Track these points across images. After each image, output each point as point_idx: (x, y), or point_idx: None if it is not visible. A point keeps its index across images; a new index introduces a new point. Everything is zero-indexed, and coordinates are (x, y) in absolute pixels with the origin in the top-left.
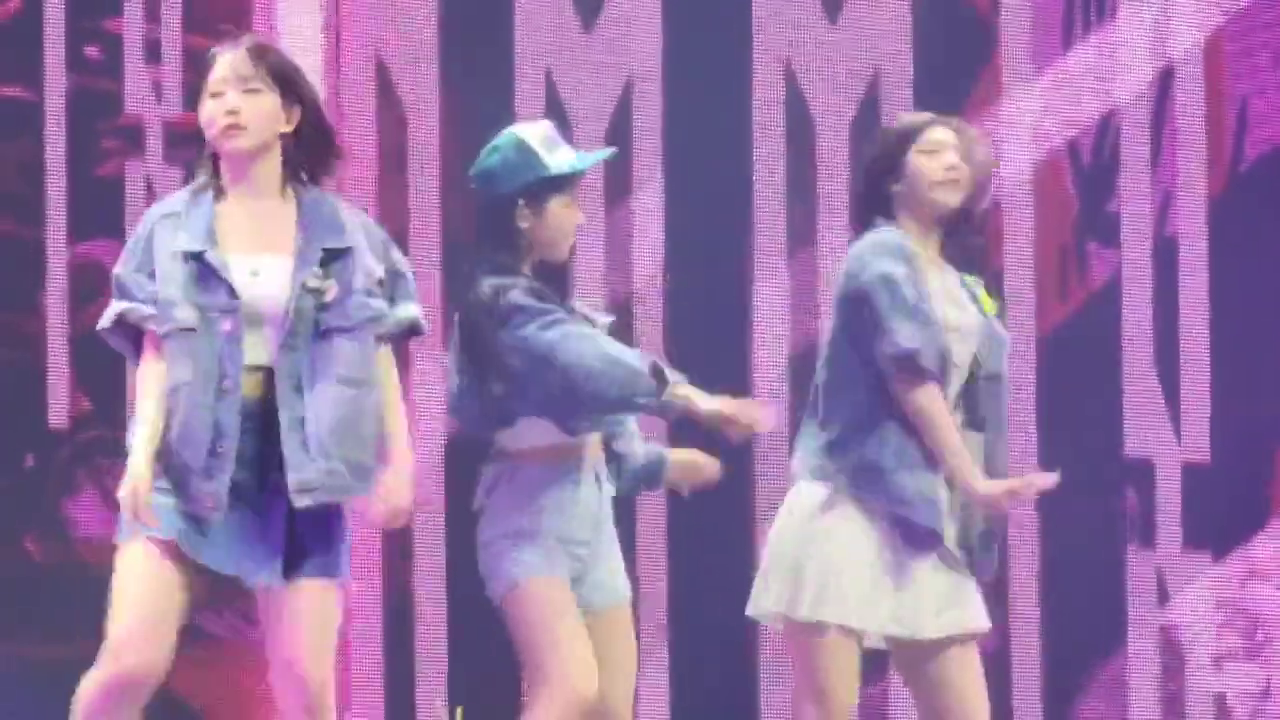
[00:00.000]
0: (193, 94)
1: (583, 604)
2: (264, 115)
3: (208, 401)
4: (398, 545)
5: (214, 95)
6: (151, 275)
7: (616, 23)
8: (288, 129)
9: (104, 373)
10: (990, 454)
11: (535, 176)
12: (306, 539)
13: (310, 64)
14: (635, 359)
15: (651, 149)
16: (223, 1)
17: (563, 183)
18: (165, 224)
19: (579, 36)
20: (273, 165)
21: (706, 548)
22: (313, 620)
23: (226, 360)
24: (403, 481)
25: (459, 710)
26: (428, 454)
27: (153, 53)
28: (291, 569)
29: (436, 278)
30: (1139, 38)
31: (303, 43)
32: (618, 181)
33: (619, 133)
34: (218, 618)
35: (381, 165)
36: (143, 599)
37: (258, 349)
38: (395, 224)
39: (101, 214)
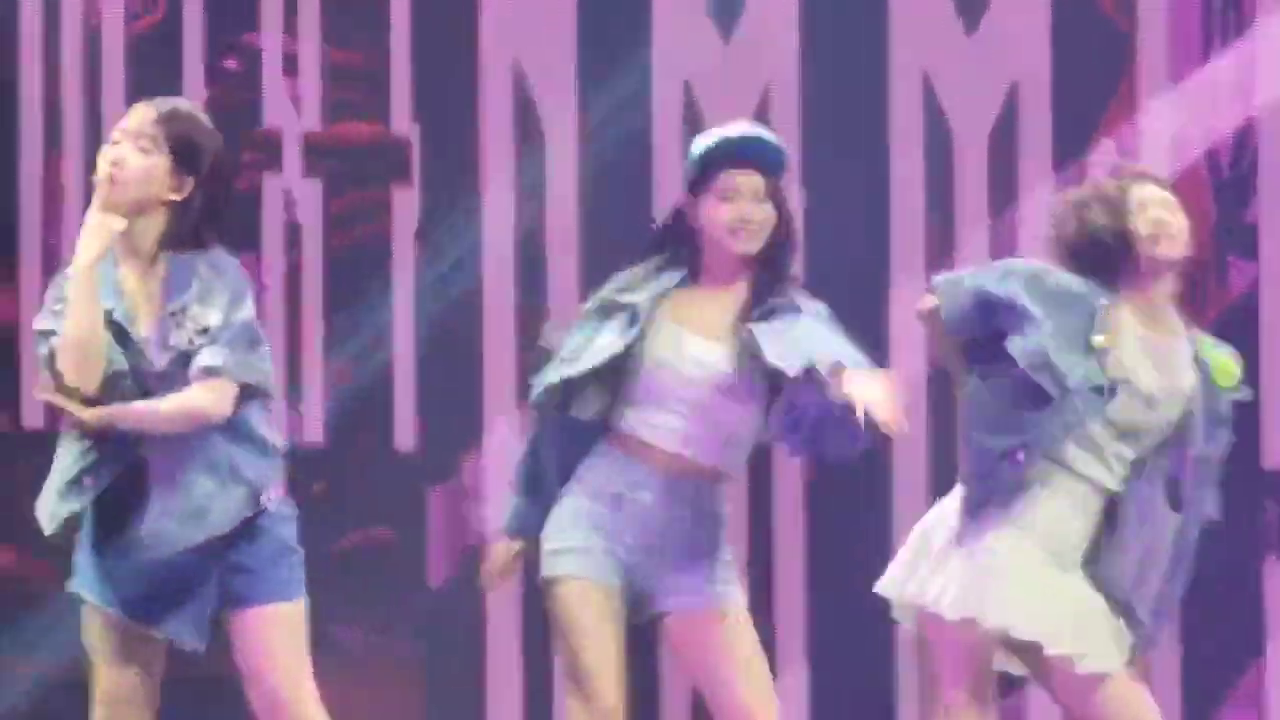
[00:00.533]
0: (333, 107)
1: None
2: (145, 174)
3: None
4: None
5: (112, 142)
6: None
7: (753, 32)
8: (175, 197)
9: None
10: (1177, 538)
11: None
12: None
13: (446, 76)
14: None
15: (792, 160)
16: (360, 14)
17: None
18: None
19: (717, 47)
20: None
21: (845, 553)
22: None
23: None
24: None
25: None
26: None
27: (290, 65)
28: None
29: (575, 280)
30: (1278, 47)
31: (440, 55)
32: None
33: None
34: (354, 630)
35: (519, 179)
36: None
37: None
38: (529, 230)
39: (239, 227)
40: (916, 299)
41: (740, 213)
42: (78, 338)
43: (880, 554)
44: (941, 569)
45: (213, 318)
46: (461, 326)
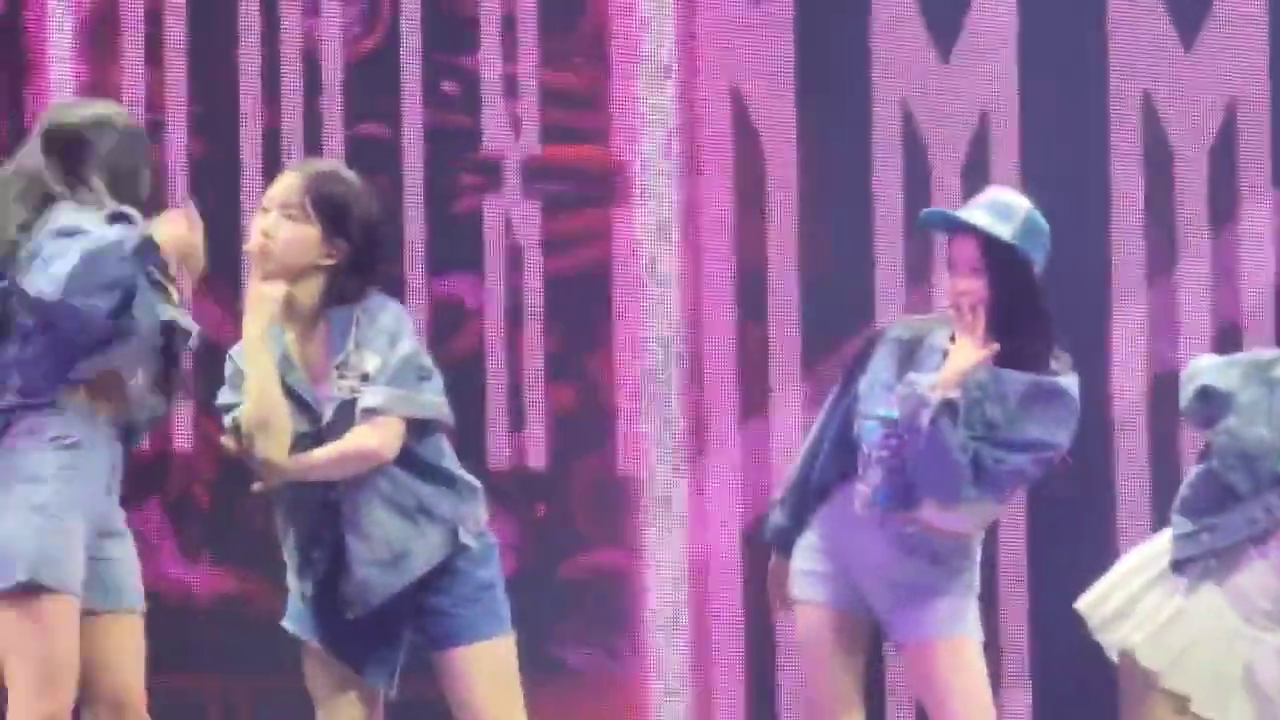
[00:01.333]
0: (551, 129)
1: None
2: (295, 243)
3: None
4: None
5: (262, 210)
6: None
7: (972, 54)
8: (328, 261)
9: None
10: None
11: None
12: None
13: (665, 95)
14: None
15: (1008, 179)
16: (580, 36)
17: None
18: None
19: (935, 68)
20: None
21: (1068, 573)
22: None
23: None
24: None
25: None
26: None
27: (510, 88)
28: None
29: (795, 310)
30: None
31: (658, 73)
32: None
33: (974, 164)
34: (576, 652)
35: (738, 199)
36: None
37: None
38: (752, 256)
39: (460, 250)
40: (1136, 316)
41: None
42: (261, 413)
43: (1101, 572)
44: (1137, 605)
45: (371, 363)
46: (682, 348)
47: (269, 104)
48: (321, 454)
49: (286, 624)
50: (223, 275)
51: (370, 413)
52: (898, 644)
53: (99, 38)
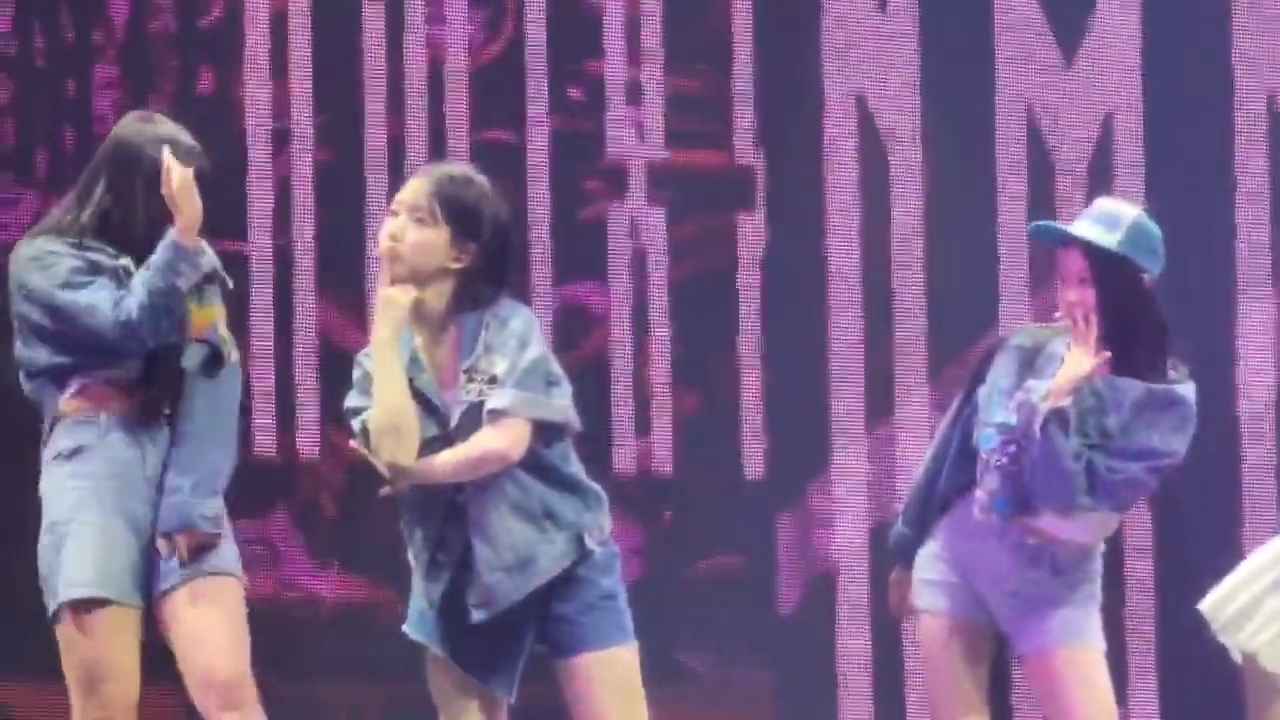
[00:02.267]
0: (676, 135)
1: None
2: (424, 247)
3: None
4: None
5: (390, 214)
6: None
7: (1096, 57)
8: (457, 265)
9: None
10: None
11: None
12: None
13: (788, 101)
14: None
15: (1134, 183)
16: (703, 41)
17: None
18: None
19: (1059, 71)
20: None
21: (1193, 575)
22: None
23: None
24: None
25: None
26: None
27: (634, 94)
28: None
29: (920, 314)
30: None
31: (783, 82)
32: None
33: (1100, 168)
34: (703, 656)
35: (865, 203)
36: None
37: None
38: (873, 259)
39: (585, 257)
40: (1263, 316)
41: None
42: (389, 418)
43: (1226, 573)
44: (1261, 606)
45: (500, 366)
46: (807, 353)
47: (394, 112)
48: (449, 456)
49: (408, 630)
50: (348, 281)
51: (497, 414)
52: (1020, 655)
53: (225, 48)
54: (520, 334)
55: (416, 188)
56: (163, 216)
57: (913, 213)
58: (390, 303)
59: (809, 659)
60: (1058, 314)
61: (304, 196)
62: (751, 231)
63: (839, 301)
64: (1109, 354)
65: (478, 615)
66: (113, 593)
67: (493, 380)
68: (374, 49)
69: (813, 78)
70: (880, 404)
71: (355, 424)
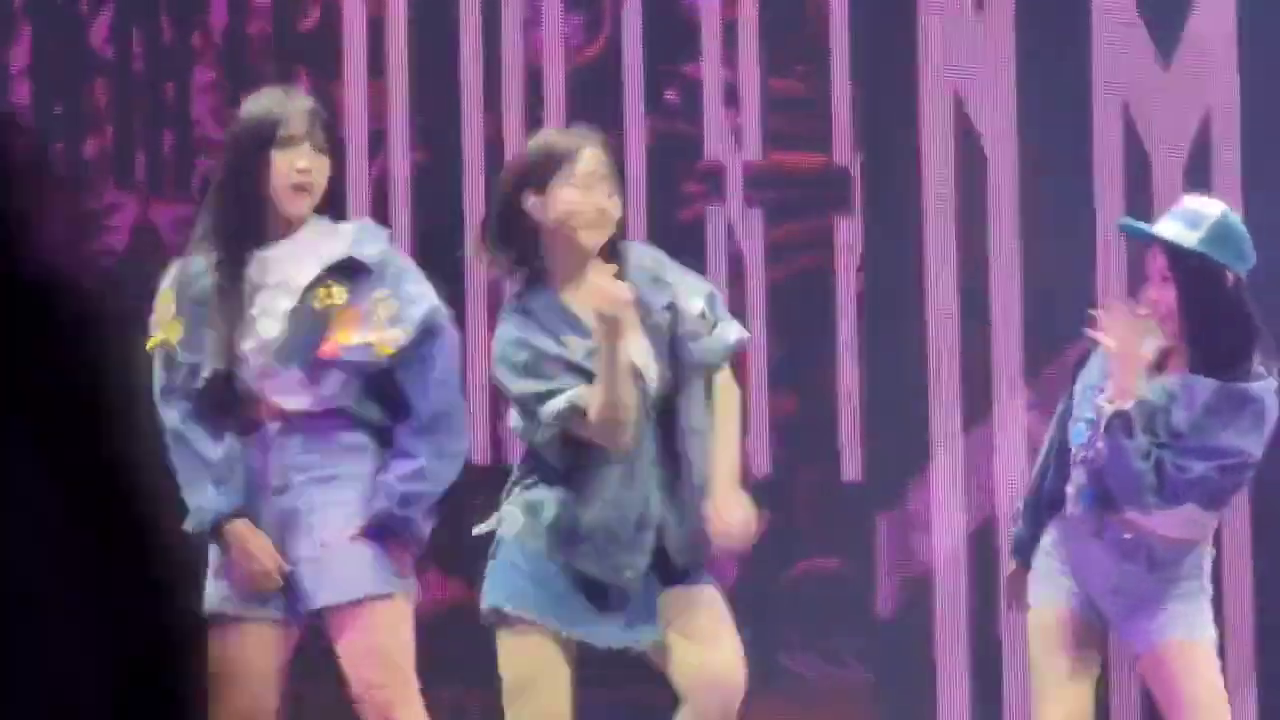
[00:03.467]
0: (773, 137)
1: None
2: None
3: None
4: (986, 582)
5: (585, 188)
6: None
7: (1194, 54)
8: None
9: None
10: None
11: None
12: None
13: (887, 104)
14: None
15: (1230, 182)
16: (800, 43)
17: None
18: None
19: (1157, 68)
20: None
21: None
22: None
23: None
24: None
25: None
26: None
27: (731, 96)
28: None
29: (1018, 315)
30: None
31: (880, 83)
32: None
33: (1197, 167)
34: (804, 659)
35: (960, 201)
36: None
37: None
38: (971, 259)
39: (683, 259)
40: None
41: None
42: (616, 415)
43: None
44: None
45: (696, 300)
46: (905, 355)
47: (490, 114)
48: (734, 430)
49: (507, 605)
50: (446, 283)
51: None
52: (1129, 651)
53: (322, 51)
54: (673, 264)
55: (599, 156)
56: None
57: (1010, 212)
58: (617, 303)
59: (907, 661)
60: (1142, 309)
61: (401, 198)
62: (849, 233)
63: (936, 302)
64: (1149, 356)
65: (680, 562)
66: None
67: (702, 316)
68: (471, 51)
69: (910, 78)
70: (978, 405)
71: (559, 405)
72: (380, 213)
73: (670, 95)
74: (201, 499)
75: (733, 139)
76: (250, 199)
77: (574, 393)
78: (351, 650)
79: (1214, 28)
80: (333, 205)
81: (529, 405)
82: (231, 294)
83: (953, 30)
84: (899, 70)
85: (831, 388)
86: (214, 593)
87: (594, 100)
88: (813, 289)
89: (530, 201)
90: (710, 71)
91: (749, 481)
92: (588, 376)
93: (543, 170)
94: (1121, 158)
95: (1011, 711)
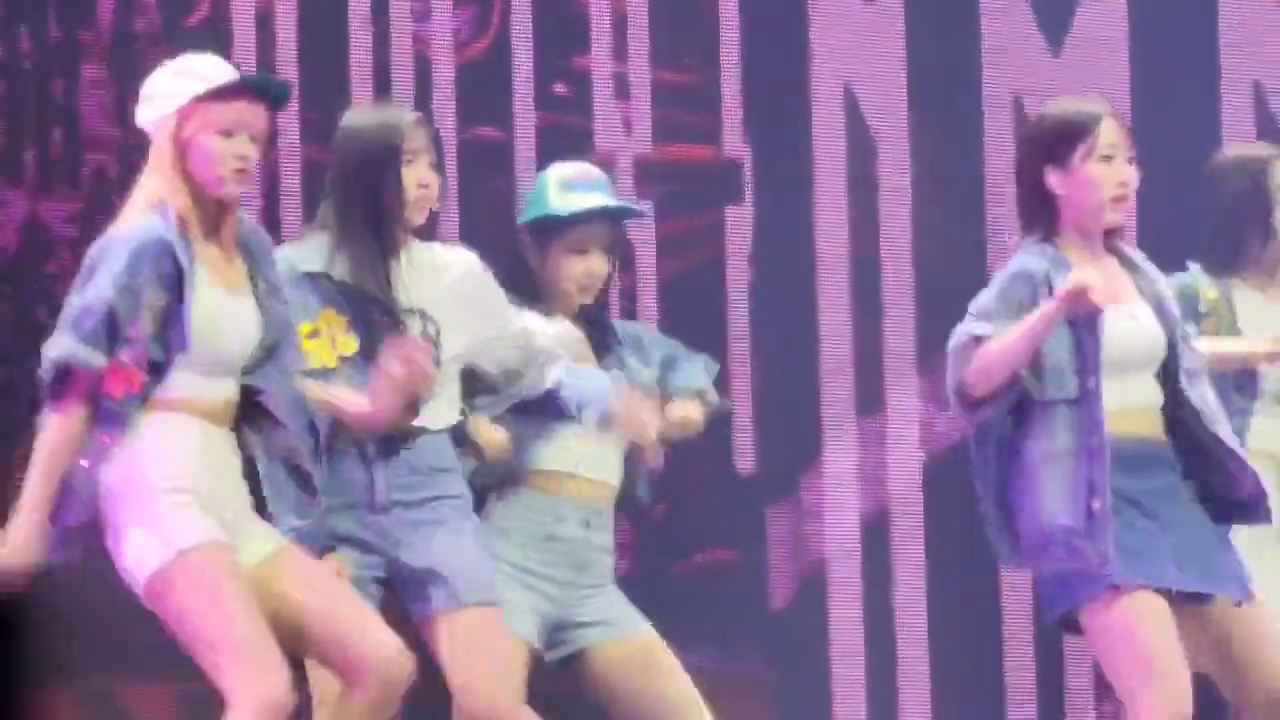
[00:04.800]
0: (664, 129)
1: None
2: None
3: None
4: (879, 571)
5: (1108, 159)
6: None
7: (1083, 47)
8: None
9: None
10: None
11: (539, 214)
12: None
13: (777, 93)
14: None
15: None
16: (690, 35)
17: (565, 226)
18: None
19: (1047, 62)
20: None
21: None
22: None
23: None
24: None
25: None
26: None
27: (621, 88)
28: None
29: (911, 303)
30: None
31: (771, 76)
32: None
33: None
34: (698, 651)
35: (851, 193)
36: None
37: None
38: (862, 250)
39: None
40: None
41: None
42: None
43: None
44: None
45: None
46: (797, 346)
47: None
48: None
49: (1132, 575)
50: None
51: None
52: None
53: (211, 46)
54: None
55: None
56: None
57: (901, 203)
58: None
59: (802, 651)
60: None
61: (291, 192)
62: (740, 225)
63: (828, 293)
64: None
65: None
66: None
67: None
68: (360, 46)
69: (800, 70)
70: (871, 396)
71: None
72: (271, 207)
73: (560, 88)
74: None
75: (623, 131)
76: (386, 213)
77: None
78: (481, 647)
79: (1103, 18)
80: None
81: None
82: (384, 309)
83: (843, 21)
84: (789, 62)
85: (724, 379)
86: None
87: (484, 94)
88: (704, 281)
89: None
90: (600, 64)
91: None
92: None
93: None
94: (1013, 148)
95: (906, 699)
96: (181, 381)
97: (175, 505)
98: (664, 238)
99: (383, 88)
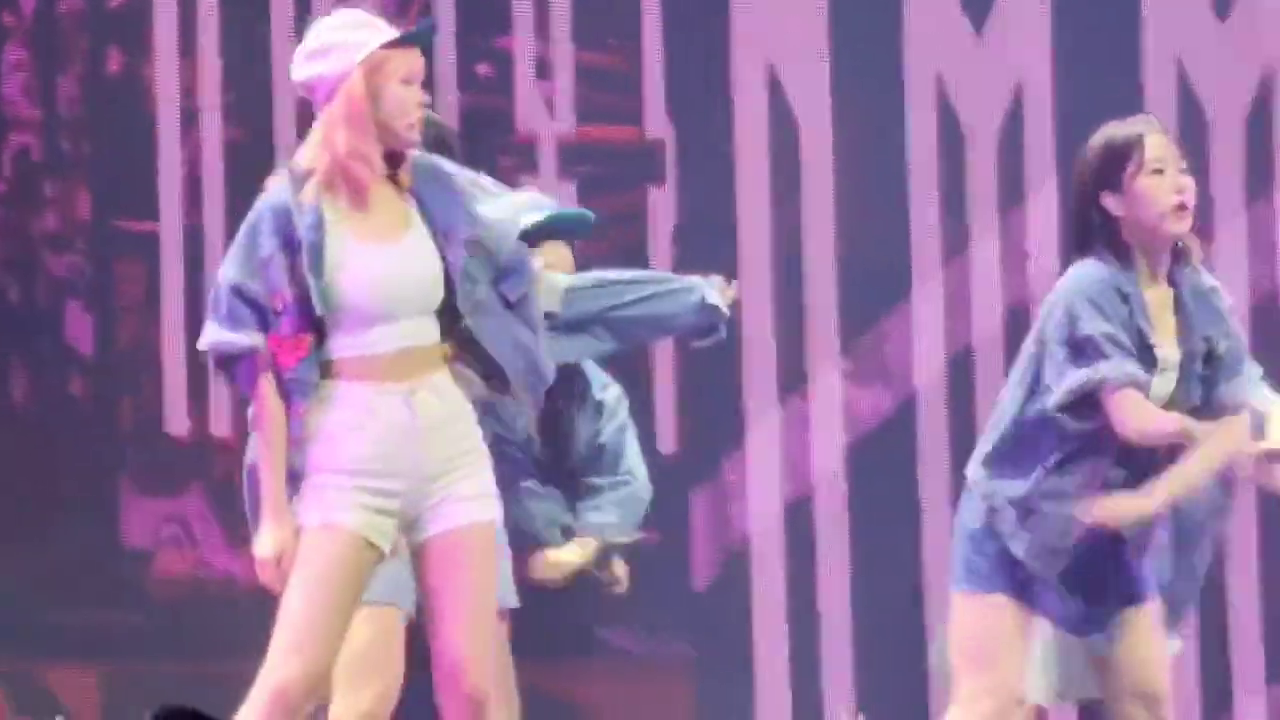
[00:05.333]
0: (586, 110)
1: None
2: None
3: None
4: (802, 552)
5: (1158, 172)
6: None
7: (1005, 25)
8: None
9: None
10: None
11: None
12: None
13: (699, 74)
14: None
15: (1043, 152)
16: (612, 16)
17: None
18: None
19: (969, 39)
20: None
21: None
22: None
23: None
24: None
25: (861, 719)
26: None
27: (544, 69)
28: None
29: (834, 285)
30: None
31: (692, 56)
32: (1011, 186)
33: (1010, 136)
34: (622, 632)
35: (773, 173)
36: None
37: None
38: (784, 231)
39: None
40: None
41: None
42: None
43: None
44: None
45: None
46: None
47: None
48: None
49: None
50: None
51: None
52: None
53: (134, 28)
54: None
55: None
56: None
57: (823, 183)
58: None
59: (725, 632)
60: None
61: (214, 174)
62: (662, 205)
63: (750, 274)
64: None
65: None
66: None
67: None
68: (282, 27)
69: (722, 50)
70: (793, 377)
71: None
72: (192, 191)
73: (482, 69)
74: None
75: (545, 112)
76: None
77: None
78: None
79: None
80: (145, 183)
81: None
82: None
83: (765, 2)
84: (712, 42)
85: (646, 360)
86: None
87: None
88: (627, 261)
89: None
90: (522, 45)
91: None
92: None
93: None
94: (935, 128)
95: (829, 678)
96: (343, 343)
97: (313, 486)
98: None
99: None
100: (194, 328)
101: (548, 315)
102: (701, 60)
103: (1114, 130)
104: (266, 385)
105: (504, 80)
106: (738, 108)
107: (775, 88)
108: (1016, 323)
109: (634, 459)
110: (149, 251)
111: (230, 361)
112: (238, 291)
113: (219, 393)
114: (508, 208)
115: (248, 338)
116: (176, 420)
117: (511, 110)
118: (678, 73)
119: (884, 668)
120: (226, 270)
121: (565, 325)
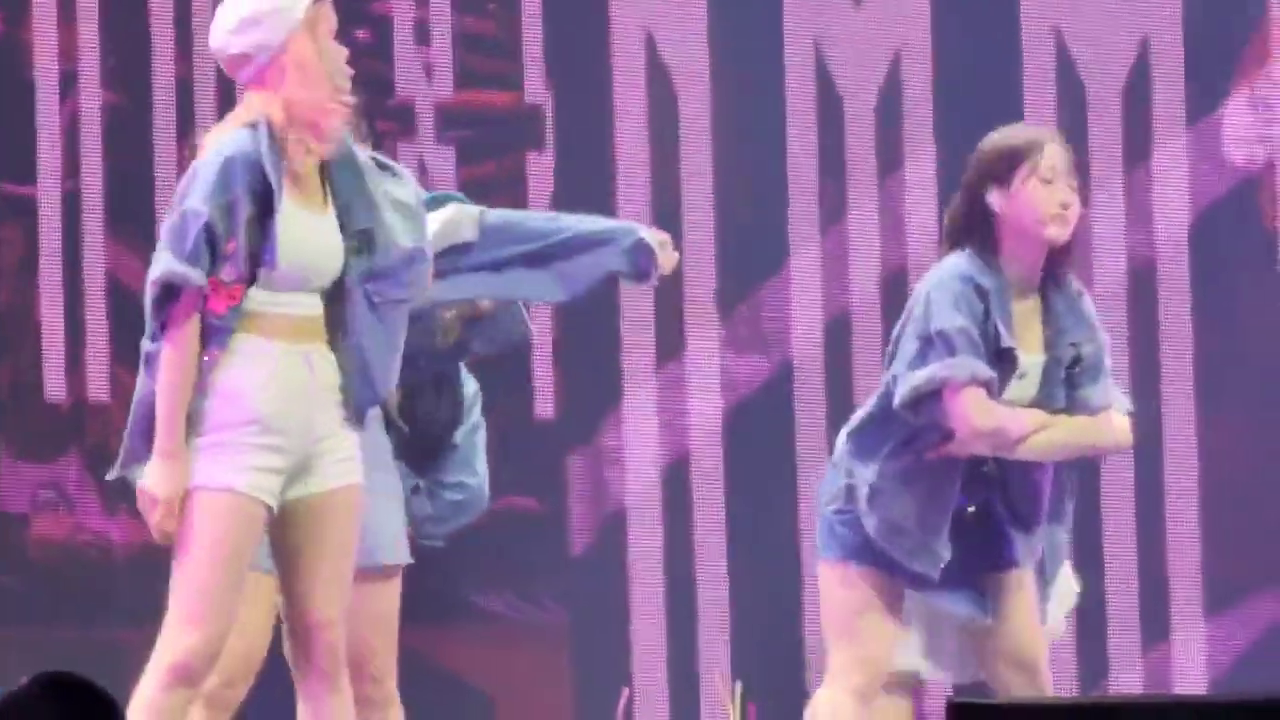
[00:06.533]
0: (465, 75)
1: None
2: None
3: None
4: (679, 519)
5: (1048, 181)
6: None
7: None
8: None
9: None
10: None
11: None
12: None
13: (576, 39)
14: None
15: (922, 121)
16: None
17: None
18: None
19: (848, 7)
20: None
21: None
22: None
23: None
24: None
25: (738, 685)
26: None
27: (422, 34)
28: None
29: (711, 251)
30: None
31: (571, 21)
32: (889, 155)
33: (889, 105)
34: (497, 597)
35: (651, 138)
36: None
37: None
38: (663, 195)
39: None
40: None
41: None
42: None
43: None
44: None
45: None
46: (596, 291)
47: (182, 55)
48: None
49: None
50: (137, 224)
51: None
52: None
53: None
54: None
55: (1059, 153)
56: None
57: (702, 149)
58: None
59: (602, 598)
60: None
61: (92, 139)
62: (541, 170)
63: None
64: None
65: None
66: None
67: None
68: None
69: (601, 15)
70: (671, 342)
71: None
72: (71, 155)
73: (360, 33)
74: None
75: (424, 77)
76: None
77: None
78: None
79: None
80: (23, 147)
81: None
82: None
83: None
84: (590, 7)
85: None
86: None
87: None
88: None
89: None
90: (401, 9)
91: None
92: None
93: None
94: (812, 95)
95: (705, 645)
96: (264, 298)
97: (211, 444)
98: (465, 183)
99: (184, 35)
100: (72, 292)
101: (465, 246)
102: (580, 25)
103: (1018, 131)
104: (192, 328)
105: (383, 44)
106: (616, 72)
107: (654, 53)
108: (894, 289)
109: (481, 462)
110: (27, 215)
111: (171, 295)
112: (209, 230)
113: (96, 357)
114: (415, 220)
115: (201, 276)
116: (54, 385)
117: (390, 75)
118: (556, 37)
119: (760, 634)
120: (195, 204)
121: (498, 261)
